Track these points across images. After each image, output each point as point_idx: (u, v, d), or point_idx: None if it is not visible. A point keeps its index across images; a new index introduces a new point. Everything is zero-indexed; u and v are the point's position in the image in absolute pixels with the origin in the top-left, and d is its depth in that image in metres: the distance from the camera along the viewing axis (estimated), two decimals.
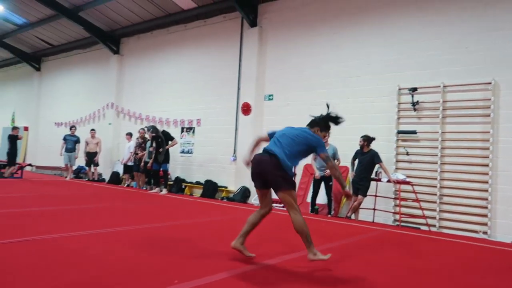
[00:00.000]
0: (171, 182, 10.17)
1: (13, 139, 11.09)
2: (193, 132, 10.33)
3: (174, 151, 10.26)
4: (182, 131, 10.56)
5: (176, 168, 10.49)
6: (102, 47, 12.78)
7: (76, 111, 13.72)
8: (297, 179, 8.02)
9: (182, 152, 10.49)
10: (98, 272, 2.65)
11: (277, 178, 2.98)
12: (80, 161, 11.82)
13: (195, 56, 10.53)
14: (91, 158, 11.10)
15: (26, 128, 16.14)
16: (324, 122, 3.25)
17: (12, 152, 11.07)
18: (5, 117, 17.73)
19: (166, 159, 8.81)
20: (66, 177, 11.61)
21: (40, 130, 15.60)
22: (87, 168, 11.48)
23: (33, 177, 11.79)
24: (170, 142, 8.88)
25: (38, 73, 15.91)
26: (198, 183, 9.80)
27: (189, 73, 10.59)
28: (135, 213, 5.66)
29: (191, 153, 10.35)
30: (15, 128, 11.52)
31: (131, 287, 2.39)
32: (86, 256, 3.03)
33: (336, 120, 3.24)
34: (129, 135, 10.53)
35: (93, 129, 11.36)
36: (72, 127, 11.58)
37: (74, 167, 11.90)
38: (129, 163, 10.27)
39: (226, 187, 9.23)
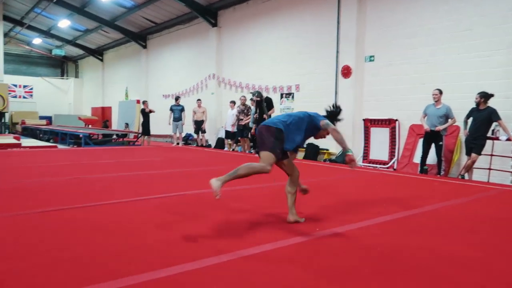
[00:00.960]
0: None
1: (144, 113, 12.60)
2: (292, 97, 10.66)
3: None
4: (281, 97, 10.96)
5: None
6: (201, 21, 13.55)
7: (181, 83, 14.90)
8: (402, 141, 7.99)
9: None
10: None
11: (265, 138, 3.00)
12: (188, 129, 13.01)
13: (290, 22, 10.68)
14: (199, 125, 12.12)
15: (138, 101, 17.99)
16: (332, 117, 3.25)
17: (145, 124, 12.63)
18: (120, 92, 19.93)
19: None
20: (174, 143, 12.81)
21: (149, 102, 17.22)
22: (195, 135, 12.59)
23: (150, 145, 13.28)
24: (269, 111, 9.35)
25: (144, 50, 17.43)
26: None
27: (286, 39, 10.82)
28: None
29: None
30: (144, 102, 13.04)
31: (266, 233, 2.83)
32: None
33: (338, 119, 3.32)
34: (233, 103, 11.21)
35: (199, 99, 12.32)
36: (177, 98, 12.67)
37: (183, 134, 13.10)
38: (233, 129, 11.02)
39: (327, 150, 9.50)
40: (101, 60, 21.74)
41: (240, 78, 12.27)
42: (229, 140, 11.37)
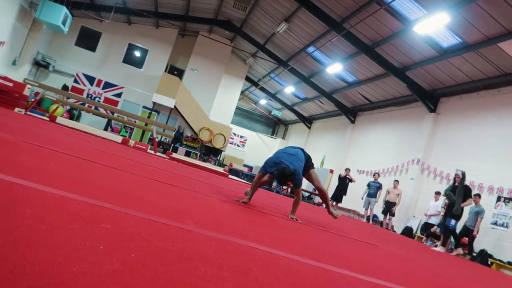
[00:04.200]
0: (475, 254, 9.05)
1: (342, 179, 12.87)
2: None
3: (484, 222, 9.18)
4: (498, 200, 9.30)
5: (482, 239, 9.26)
6: (419, 105, 13.18)
7: (380, 163, 14.54)
8: None
9: (495, 224, 9.19)
10: None
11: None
12: (376, 209, 12.36)
13: None
14: (389, 207, 11.39)
15: (331, 171, 18.41)
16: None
17: (339, 190, 12.92)
18: (317, 159, 20.88)
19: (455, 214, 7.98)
20: (364, 219, 12.34)
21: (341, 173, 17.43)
22: (381, 215, 11.85)
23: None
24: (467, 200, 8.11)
25: (351, 125, 17.98)
26: (510, 263, 8.28)
27: None
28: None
29: (505, 226, 8.92)
30: (346, 169, 13.32)
31: None
32: None
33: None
34: (438, 194, 10.15)
35: (396, 180, 11.69)
36: (376, 174, 12.36)
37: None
38: (431, 221, 9.89)
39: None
40: (309, 127, 23.50)
41: (448, 169, 11.13)
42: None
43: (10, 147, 2.72)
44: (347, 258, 2.58)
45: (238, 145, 26.64)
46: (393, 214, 11.43)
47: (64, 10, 15.00)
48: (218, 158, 20.34)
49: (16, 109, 10.67)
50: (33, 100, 12.11)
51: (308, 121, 23.53)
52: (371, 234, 6.73)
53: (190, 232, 1.73)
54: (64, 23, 15.36)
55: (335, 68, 14.79)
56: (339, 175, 13.37)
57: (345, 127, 18.54)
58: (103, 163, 3.63)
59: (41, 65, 17.41)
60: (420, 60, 11.58)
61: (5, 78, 11.92)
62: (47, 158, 2.82)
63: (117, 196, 2.13)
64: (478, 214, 8.41)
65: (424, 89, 12.63)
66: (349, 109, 17.99)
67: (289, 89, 20.32)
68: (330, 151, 19.73)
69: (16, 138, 3.37)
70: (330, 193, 16.02)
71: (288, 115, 25.80)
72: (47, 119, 11.46)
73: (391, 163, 13.86)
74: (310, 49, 15.10)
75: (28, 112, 11.20)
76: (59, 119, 11.34)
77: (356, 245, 3.80)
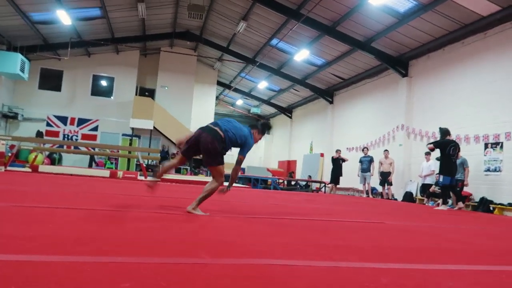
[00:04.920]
0: (475, 204, 9.28)
1: (335, 161, 12.94)
2: (501, 147, 9.12)
3: (476, 169, 9.43)
4: (486, 147, 9.52)
5: (479, 187, 9.48)
6: (390, 73, 13.38)
7: (366, 136, 14.70)
8: None
9: (488, 170, 9.41)
10: None
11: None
12: (373, 181, 12.52)
13: (499, 63, 9.46)
14: (385, 177, 11.55)
15: (322, 155, 18.55)
16: (262, 128, 3.82)
17: (335, 172, 12.92)
18: (305, 146, 21.01)
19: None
20: (364, 195, 12.48)
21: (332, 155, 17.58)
22: (380, 187, 12.02)
23: (335, 196, 13.25)
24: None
25: (331, 106, 18.12)
26: (511, 204, 8.51)
27: (492, 83, 9.57)
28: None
29: (498, 171, 9.15)
30: (337, 151, 13.39)
31: None
32: None
33: (269, 130, 3.97)
34: (428, 154, 10.31)
35: (386, 150, 11.86)
36: (365, 148, 12.54)
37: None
38: (427, 182, 10.06)
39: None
40: (290, 117, 23.60)
41: (433, 128, 11.31)
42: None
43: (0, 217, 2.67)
44: (361, 248, 2.61)
45: None
46: (390, 183, 11.59)
47: (19, 57, 14.71)
48: None
49: None
50: (10, 154, 11.82)
51: (288, 111, 23.61)
52: (374, 209, 6.82)
53: (207, 266, 1.73)
54: (22, 70, 15.06)
55: (302, 55, 14.87)
56: (332, 157, 13.48)
57: (325, 109, 18.67)
58: (101, 208, 3.59)
59: (9, 116, 17.05)
60: (382, 29, 11.73)
61: None
62: (43, 219, 2.77)
63: (124, 245, 2.11)
64: (462, 165, 8.70)
65: (392, 56, 12.81)
66: (325, 91, 18.12)
67: (262, 84, 20.36)
68: (316, 135, 19.86)
69: (4, 204, 3.30)
70: (326, 177, 16.20)
71: (268, 109, 25.85)
72: (29, 169, 11.24)
73: (377, 135, 14.04)
74: (274, 41, 15.13)
75: (7, 168, 10.95)
76: (41, 167, 11.15)
77: (363, 228, 3.84)
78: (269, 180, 15.46)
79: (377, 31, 11.94)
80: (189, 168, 18.87)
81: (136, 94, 18.94)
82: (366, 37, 12.47)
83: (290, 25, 13.11)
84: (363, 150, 12.55)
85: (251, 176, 16.11)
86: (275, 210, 5.07)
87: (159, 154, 15.88)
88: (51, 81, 18.37)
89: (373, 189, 13.07)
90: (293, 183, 16.78)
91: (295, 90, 19.90)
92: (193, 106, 20.28)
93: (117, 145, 17.53)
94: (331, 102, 18.12)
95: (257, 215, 4.16)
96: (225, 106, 27.38)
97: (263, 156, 26.94)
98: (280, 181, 16.36)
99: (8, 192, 4.57)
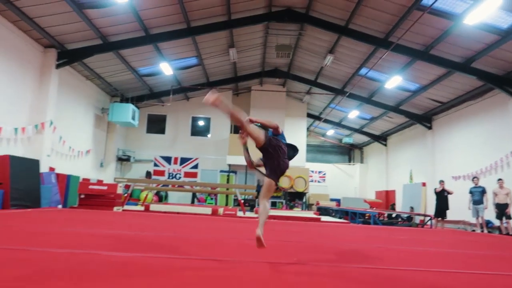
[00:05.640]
0: None
1: (439, 194, 12.06)
2: None
3: None
4: None
5: None
6: (497, 93, 12.20)
7: (475, 163, 13.41)
8: None
9: None
10: None
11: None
12: (488, 214, 11.25)
13: None
14: (502, 210, 10.34)
15: (423, 184, 17.30)
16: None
17: (440, 205, 12.00)
18: (403, 175, 19.84)
19: None
20: (477, 230, 11.30)
21: (436, 184, 16.26)
22: (497, 221, 10.75)
23: (445, 231, 12.18)
24: None
25: (430, 131, 16.98)
26: None
27: None
28: None
29: None
30: (440, 182, 12.40)
31: None
32: None
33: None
34: None
35: (500, 179, 10.66)
36: (475, 178, 11.42)
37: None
38: None
39: None
40: (385, 145, 22.61)
41: None
42: None
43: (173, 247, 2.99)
44: None
45: (318, 181, 26.31)
46: (509, 217, 10.31)
47: (131, 107, 16.60)
48: (304, 200, 20.19)
49: (115, 208, 11.72)
50: (125, 194, 13.22)
51: (382, 138, 22.70)
52: (496, 253, 6.09)
53: None
54: (133, 118, 16.92)
55: (394, 82, 14.35)
56: (435, 190, 12.49)
57: (424, 135, 17.56)
58: (226, 257, 3.78)
59: (123, 159, 19.13)
60: (482, 48, 10.85)
61: (100, 183, 13.23)
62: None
63: None
64: None
65: (497, 75, 11.69)
66: (422, 116, 17.10)
67: (353, 114, 19.97)
68: (415, 163, 18.67)
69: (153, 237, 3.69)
70: (431, 208, 15.00)
71: (360, 138, 25.16)
72: (142, 208, 12.40)
73: (487, 161, 12.72)
74: (363, 71, 14.89)
75: (124, 207, 12.23)
76: (152, 206, 12.20)
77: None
78: (367, 213, 14.82)
79: (477, 50, 11.06)
80: (284, 201, 19.03)
81: (231, 132, 19.95)
82: (464, 57, 11.62)
83: (379, 54, 12.82)
84: (473, 180, 11.44)
85: (348, 210, 15.64)
86: (383, 255, 4.82)
87: (255, 190, 16.32)
88: (156, 125, 20.34)
89: (487, 222, 11.73)
90: (393, 215, 15.83)
91: (389, 117, 19.13)
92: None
93: (215, 182, 18.50)
94: (430, 128, 16.98)
95: (368, 266, 4.00)
96: (316, 137, 27.32)
97: (358, 186, 26.03)
98: (379, 213, 15.55)
99: (142, 228, 5.08)
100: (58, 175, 11.91)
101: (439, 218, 12.21)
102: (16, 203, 9.38)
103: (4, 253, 3.12)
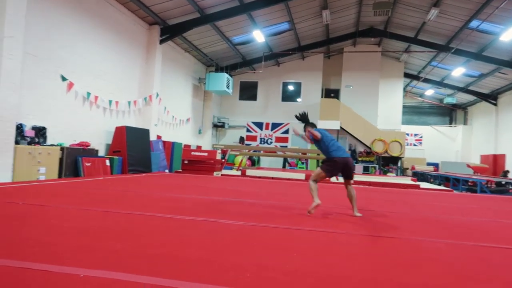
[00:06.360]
0: None
1: None
2: None
3: None
4: None
5: None
6: None
7: None
8: None
9: None
10: None
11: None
12: None
13: None
14: None
15: None
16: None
17: None
18: None
19: None
20: None
21: None
22: None
23: None
24: None
25: None
26: None
27: None
28: None
29: None
30: None
31: None
32: None
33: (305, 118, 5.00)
34: None
35: None
36: None
37: None
38: None
39: None
40: (495, 104, 20.37)
41: None
42: None
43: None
44: None
45: (414, 144, 24.94)
46: None
47: (225, 76, 17.13)
48: (398, 165, 19.37)
49: (215, 173, 12.49)
50: (223, 160, 13.97)
51: (491, 97, 20.46)
52: None
53: None
54: (228, 86, 17.48)
55: (511, 33, 12.65)
56: None
57: None
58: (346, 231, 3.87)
59: (218, 126, 20.06)
60: None
61: (200, 149, 14.12)
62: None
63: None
64: None
65: None
66: None
67: (458, 71, 18.18)
68: None
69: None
70: None
71: (464, 97, 22.98)
72: (238, 173, 13.03)
73: None
74: (474, 23, 13.32)
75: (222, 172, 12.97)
76: (248, 172, 12.73)
77: None
78: (470, 180, 13.69)
79: None
80: (377, 166, 18.47)
81: (322, 96, 19.61)
82: None
83: (496, 3, 11.31)
84: None
85: (450, 175, 14.61)
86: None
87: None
88: (248, 92, 20.79)
89: None
90: (503, 182, 14.35)
91: (502, 73, 17.06)
92: (379, 102, 19.71)
93: (305, 148, 18.54)
94: None
95: None
96: (413, 98, 25.61)
97: (460, 149, 24.09)
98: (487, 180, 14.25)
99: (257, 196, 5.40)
100: (164, 142, 12.98)
101: None
102: (132, 169, 10.51)
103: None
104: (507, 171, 17.43)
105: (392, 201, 6.82)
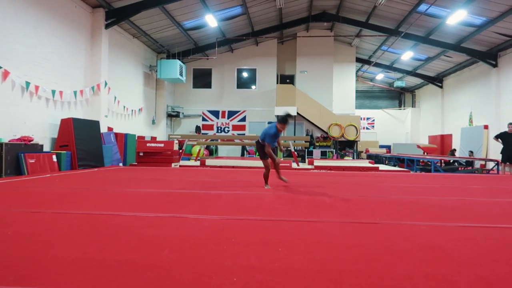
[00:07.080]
0: None
1: (505, 136, 11.28)
2: None
3: None
4: None
5: None
6: None
7: None
8: None
9: None
10: None
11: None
12: None
13: None
14: None
15: (485, 127, 16.30)
16: (281, 119, 5.45)
17: (507, 149, 11.25)
18: (462, 118, 18.77)
19: None
20: None
21: (501, 127, 15.24)
22: None
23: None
24: None
25: (495, 69, 15.66)
26: None
27: None
28: None
29: None
30: (509, 124, 11.45)
31: None
32: None
33: (286, 120, 5.45)
34: None
35: None
36: None
37: None
38: None
39: None
40: (441, 87, 21.31)
41: None
42: None
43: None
44: None
45: (367, 128, 25.61)
46: None
47: (178, 63, 16.46)
48: (355, 149, 19.79)
49: (173, 165, 11.97)
50: (180, 151, 13.45)
51: (437, 80, 21.36)
52: None
53: None
54: (181, 73, 16.83)
55: (457, 17, 13.12)
56: (504, 133, 11.62)
57: (487, 74, 16.27)
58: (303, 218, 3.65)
59: (173, 115, 19.37)
60: None
61: (155, 140, 13.48)
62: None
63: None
64: None
65: None
66: (486, 53, 15.73)
67: (407, 55, 18.74)
68: (476, 105, 17.53)
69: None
70: (493, 153, 14.19)
71: (412, 80, 23.85)
72: (197, 163, 12.60)
73: None
74: (422, 7, 13.65)
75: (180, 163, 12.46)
76: (208, 161, 12.33)
77: None
78: (422, 160, 14.22)
79: None
80: (334, 151, 18.73)
81: (277, 83, 19.48)
82: None
83: None
84: None
85: (404, 156, 15.07)
86: (479, 209, 4.48)
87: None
88: (202, 79, 20.20)
89: None
90: (451, 160, 15.06)
91: (447, 56, 17.80)
92: (333, 87, 19.91)
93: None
94: (495, 65, 15.65)
95: None
96: (364, 82, 26.22)
97: (409, 131, 25.09)
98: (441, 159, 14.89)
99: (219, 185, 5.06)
100: (116, 134, 12.23)
101: (508, 163, 11.50)
102: (83, 164, 9.78)
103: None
104: (454, 150, 18.33)
105: (358, 184, 6.77)
